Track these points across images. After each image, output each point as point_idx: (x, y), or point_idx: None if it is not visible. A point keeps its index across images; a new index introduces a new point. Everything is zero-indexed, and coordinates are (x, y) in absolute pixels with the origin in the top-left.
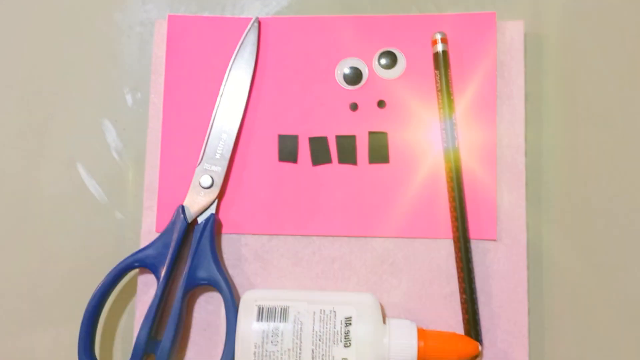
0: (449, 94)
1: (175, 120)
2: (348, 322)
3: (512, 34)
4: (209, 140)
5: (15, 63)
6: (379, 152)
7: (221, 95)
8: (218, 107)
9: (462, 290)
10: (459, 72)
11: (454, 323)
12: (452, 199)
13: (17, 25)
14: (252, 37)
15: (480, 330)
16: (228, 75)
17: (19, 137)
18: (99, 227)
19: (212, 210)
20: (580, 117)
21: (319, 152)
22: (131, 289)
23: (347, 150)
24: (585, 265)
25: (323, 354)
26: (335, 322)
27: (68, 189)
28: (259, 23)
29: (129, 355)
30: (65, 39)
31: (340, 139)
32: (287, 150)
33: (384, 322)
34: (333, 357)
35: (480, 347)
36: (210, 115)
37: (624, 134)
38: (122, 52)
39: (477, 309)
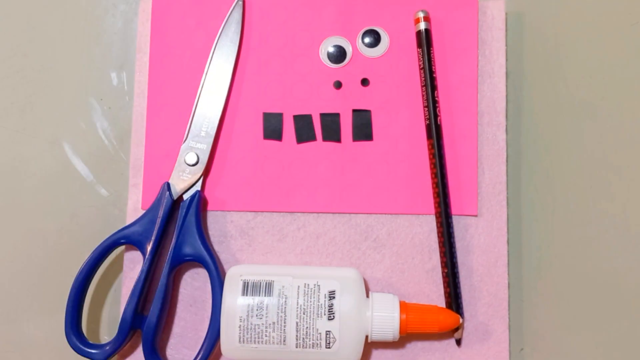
0: (431, 72)
1: (160, 98)
2: (332, 295)
3: (493, 12)
4: (194, 118)
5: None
6: (363, 129)
7: (206, 74)
8: (203, 85)
9: (444, 265)
10: (441, 50)
11: (436, 297)
12: (434, 176)
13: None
14: (237, 15)
15: (461, 303)
16: (213, 53)
17: (2, 115)
18: (85, 205)
19: (198, 187)
20: (561, 95)
21: (304, 129)
22: (117, 266)
23: (331, 128)
24: (564, 240)
25: (307, 327)
26: (319, 295)
27: (54, 167)
28: (244, 1)
29: (116, 331)
30: (48, 17)
31: (324, 116)
32: (272, 127)
33: (367, 295)
34: (317, 330)
35: (461, 320)
36: (195, 93)
37: (604, 112)
38: (106, 31)
39: (459, 282)
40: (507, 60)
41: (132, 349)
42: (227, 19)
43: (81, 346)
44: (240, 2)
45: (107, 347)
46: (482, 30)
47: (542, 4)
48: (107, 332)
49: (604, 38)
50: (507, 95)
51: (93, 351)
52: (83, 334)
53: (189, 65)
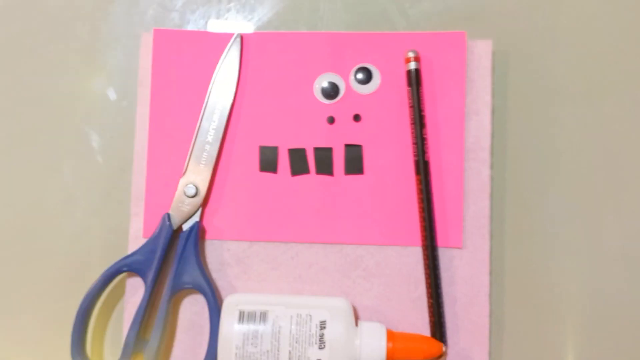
0: (420, 110)
1: (161, 130)
2: (323, 325)
3: (480, 52)
4: (194, 151)
5: (0, 71)
6: (354, 163)
7: (205, 107)
8: (202, 118)
9: (429, 295)
10: (430, 88)
11: (421, 325)
12: (421, 209)
13: (2, 34)
14: (235, 51)
15: (445, 331)
16: (211, 88)
17: (5, 144)
18: (88, 233)
19: (197, 218)
20: (544, 133)
21: (298, 163)
22: (119, 291)
23: (324, 162)
24: (543, 271)
25: (299, 355)
26: (310, 325)
27: (56, 196)
28: (242, 38)
29: (119, 354)
30: (51, 49)
31: (317, 150)
32: (268, 160)
33: (356, 324)
34: (308, 358)
35: (444, 348)
36: (195, 126)
37: (586, 147)
38: (108, 63)
39: (443, 312)
40: (493, 98)
41: None
42: (226, 55)
43: None
44: (238, 39)
45: None
46: (469, 69)
47: (528, 43)
48: (110, 356)
49: (587, 77)
50: (492, 132)
51: None
52: (88, 357)
53: (189, 99)
